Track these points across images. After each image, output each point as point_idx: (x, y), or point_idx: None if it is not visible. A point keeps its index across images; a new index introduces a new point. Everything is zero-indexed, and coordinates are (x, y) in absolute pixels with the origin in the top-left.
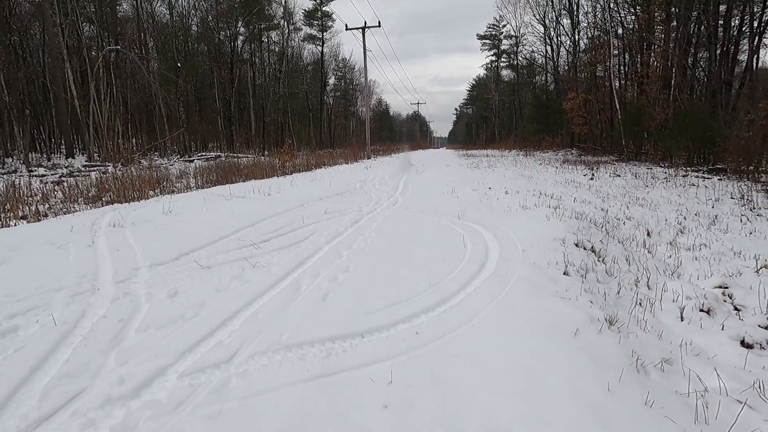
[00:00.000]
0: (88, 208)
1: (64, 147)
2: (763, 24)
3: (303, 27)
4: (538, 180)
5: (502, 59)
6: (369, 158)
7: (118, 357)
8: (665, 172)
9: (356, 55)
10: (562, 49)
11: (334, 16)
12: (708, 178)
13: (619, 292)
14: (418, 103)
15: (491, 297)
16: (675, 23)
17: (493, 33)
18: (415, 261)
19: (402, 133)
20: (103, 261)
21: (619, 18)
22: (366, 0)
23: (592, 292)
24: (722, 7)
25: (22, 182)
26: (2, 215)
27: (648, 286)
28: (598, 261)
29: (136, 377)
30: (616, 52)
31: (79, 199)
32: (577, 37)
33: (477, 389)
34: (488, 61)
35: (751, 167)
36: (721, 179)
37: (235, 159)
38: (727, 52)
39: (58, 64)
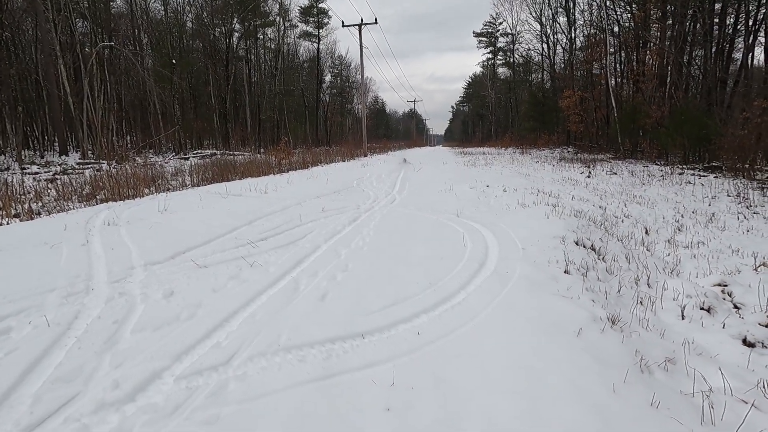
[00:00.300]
0: (83, 206)
1: (57, 144)
2: (758, 22)
3: (299, 24)
4: (536, 178)
5: (499, 57)
6: (366, 156)
7: (113, 359)
8: (661, 170)
9: (352, 52)
10: (558, 46)
11: (330, 12)
12: (704, 176)
13: (619, 291)
14: (414, 101)
15: (492, 296)
16: (671, 21)
17: (490, 30)
18: (414, 260)
19: (398, 130)
20: (97, 260)
21: (615, 16)
22: None
23: (593, 290)
24: (717, 6)
25: (14, 180)
26: None
27: (648, 285)
28: (599, 259)
29: (132, 380)
30: (612, 50)
31: (73, 197)
32: (573, 34)
33: (478, 389)
34: (485, 59)
35: (747, 165)
36: (716, 177)
37: (231, 157)
38: (722, 50)
39: (51, 61)
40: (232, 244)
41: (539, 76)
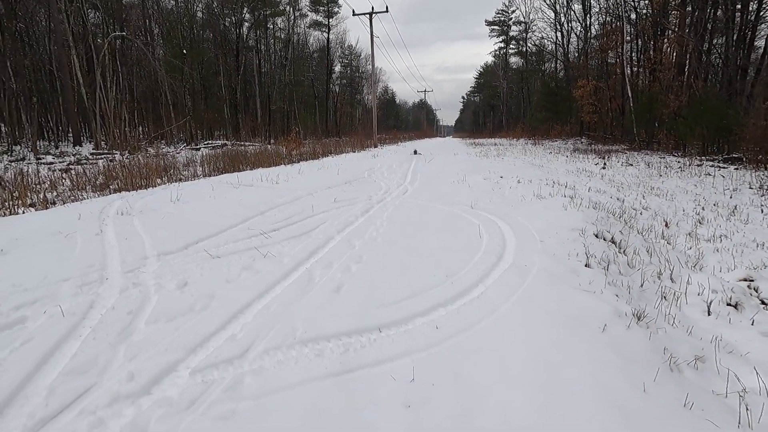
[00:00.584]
0: (96, 196)
1: (71, 135)
2: None
3: (309, 13)
4: (549, 169)
5: (511, 46)
6: (376, 147)
7: (128, 351)
8: (679, 162)
9: (362, 42)
10: (572, 35)
11: (340, 1)
12: (724, 168)
13: (642, 285)
14: (425, 91)
15: (512, 290)
16: (690, 8)
17: (502, 19)
18: (430, 252)
19: (408, 121)
20: (111, 250)
21: (632, 2)
22: None
23: (616, 284)
24: None
25: (30, 170)
26: (11, 203)
27: (671, 279)
28: (619, 252)
29: (146, 373)
30: (628, 38)
31: (87, 187)
32: (588, 22)
33: (496, 384)
34: (496, 48)
35: None
36: (737, 168)
37: (242, 147)
38: (743, 37)
39: (64, 52)
40: (244, 234)
41: (552, 66)
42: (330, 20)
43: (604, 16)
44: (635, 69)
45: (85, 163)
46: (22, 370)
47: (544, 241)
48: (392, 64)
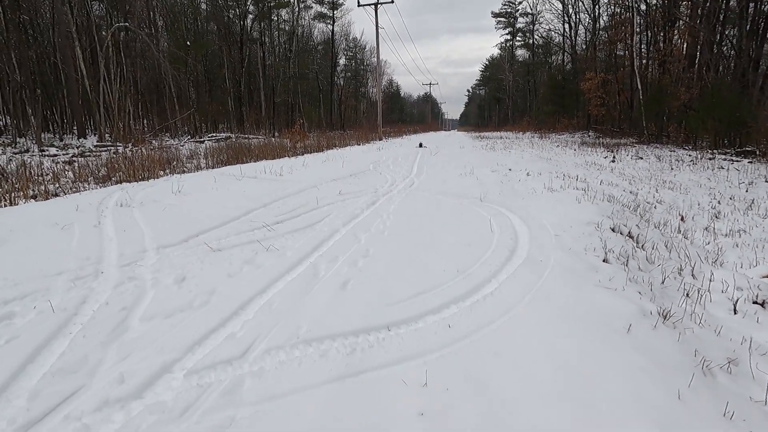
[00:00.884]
0: (98, 187)
1: (75, 127)
2: None
3: (313, 5)
4: (558, 162)
5: (518, 38)
6: (380, 140)
7: (120, 350)
8: (690, 155)
9: (367, 34)
10: (580, 26)
11: None
12: (737, 161)
13: (663, 282)
14: (430, 84)
15: (527, 286)
16: None
17: (509, 11)
18: (439, 246)
19: (413, 115)
20: (108, 242)
21: None
22: None
23: (637, 281)
24: None
25: (33, 162)
26: (12, 194)
27: (693, 275)
28: (637, 247)
29: (139, 375)
30: (638, 29)
31: (90, 179)
32: (597, 13)
33: (524, 397)
34: (503, 41)
35: None
36: (751, 162)
37: (246, 140)
38: (756, 28)
39: (68, 43)
40: (247, 227)
41: (560, 58)
42: (334, 12)
43: (612, 7)
44: (644, 61)
45: (89, 156)
46: (5, 370)
47: (559, 235)
48: (397, 57)
